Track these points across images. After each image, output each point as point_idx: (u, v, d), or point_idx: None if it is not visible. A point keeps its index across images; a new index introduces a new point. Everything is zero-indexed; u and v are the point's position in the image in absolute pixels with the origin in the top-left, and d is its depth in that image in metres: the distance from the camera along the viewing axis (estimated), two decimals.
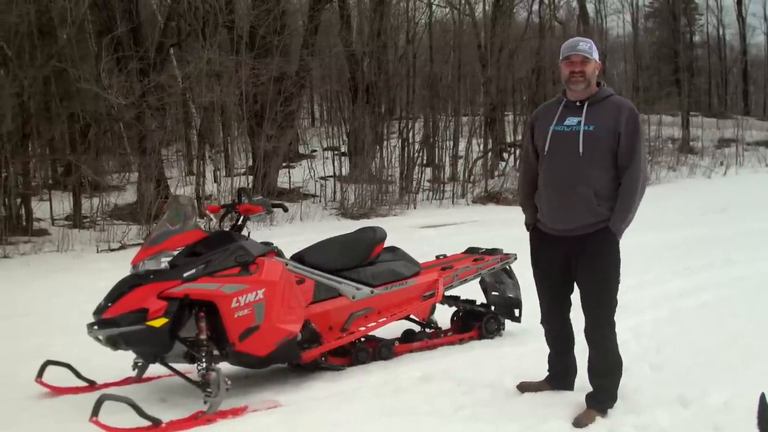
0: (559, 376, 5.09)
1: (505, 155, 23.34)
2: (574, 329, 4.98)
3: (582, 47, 4.64)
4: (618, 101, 4.64)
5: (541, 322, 5.10)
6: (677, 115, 30.72)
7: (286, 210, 6.05)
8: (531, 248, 5.00)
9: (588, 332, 4.73)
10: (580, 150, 4.56)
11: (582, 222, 4.61)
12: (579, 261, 4.66)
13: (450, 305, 6.60)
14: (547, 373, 5.15)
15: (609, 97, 4.65)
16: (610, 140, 4.53)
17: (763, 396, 2.89)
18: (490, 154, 21.60)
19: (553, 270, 4.83)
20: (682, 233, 12.37)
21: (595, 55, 4.65)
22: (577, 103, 4.67)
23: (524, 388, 5.08)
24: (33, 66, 12.86)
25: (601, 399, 4.69)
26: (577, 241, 4.63)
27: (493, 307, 6.69)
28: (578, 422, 4.54)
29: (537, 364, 5.63)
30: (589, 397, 4.71)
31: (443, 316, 6.67)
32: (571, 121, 4.64)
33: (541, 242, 4.89)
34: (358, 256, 5.92)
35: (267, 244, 5.46)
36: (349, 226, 7.53)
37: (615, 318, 4.72)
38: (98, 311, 4.86)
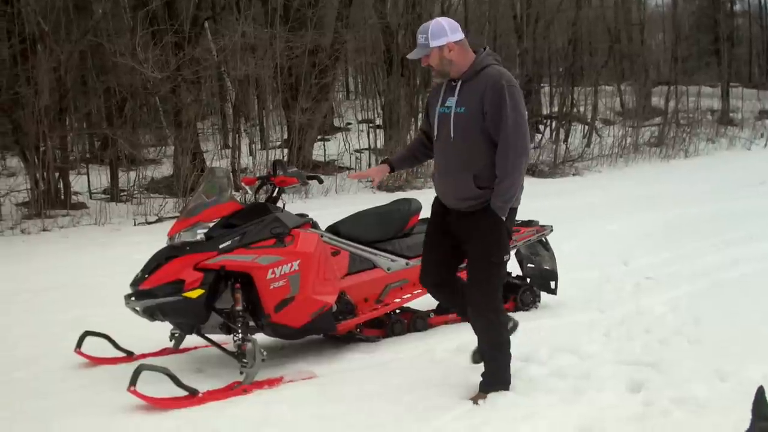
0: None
1: (541, 127, 23.12)
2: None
3: (419, 42, 4.49)
4: (488, 75, 4.42)
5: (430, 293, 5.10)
6: (717, 86, 30.16)
7: (321, 182, 6.05)
8: (430, 214, 4.91)
9: (468, 312, 4.68)
10: (451, 135, 4.48)
11: (465, 204, 4.53)
12: (464, 237, 4.59)
13: None
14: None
15: (483, 71, 4.45)
16: (479, 121, 4.41)
17: (761, 389, 2.86)
18: None
19: (444, 239, 4.75)
20: (721, 206, 12.19)
21: (438, 41, 4.42)
22: (453, 83, 4.55)
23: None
24: (69, 41, 12.96)
25: (488, 382, 4.60)
26: (464, 216, 4.55)
27: (528, 279, 6.67)
28: (473, 400, 4.54)
29: (572, 336, 5.63)
30: (481, 380, 4.64)
31: None
32: (450, 102, 4.53)
33: (438, 211, 4.78)
34: (394, 228, 5.90)
35: (302, 215, 5.47)
36: (384, 199, 7.51)
37: (499, 298, 4.67)
38: (135, 283, 4.91)
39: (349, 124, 22.53)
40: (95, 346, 5.48)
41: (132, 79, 13.80)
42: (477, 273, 4.57)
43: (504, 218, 4.46)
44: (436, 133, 4.63)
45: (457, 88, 4.51)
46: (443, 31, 4.44)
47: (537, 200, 13.16)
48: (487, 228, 4.47)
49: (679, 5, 33.95)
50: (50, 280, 8.19)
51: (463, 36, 4.53)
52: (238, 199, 5.37)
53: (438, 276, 4.86)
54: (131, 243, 9.98)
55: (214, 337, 5.28)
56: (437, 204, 4.80)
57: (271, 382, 4.90)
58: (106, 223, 11.82)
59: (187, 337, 5.44)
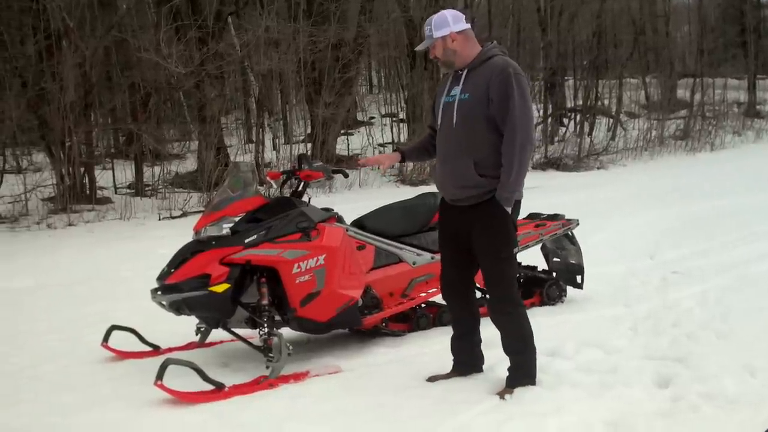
0: (465, 363, 4.87)
1: (565, 121, 23.04)
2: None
3: (425, 34, 4.54)
4: (495, 64, 4.43)
5: (442, 297, 5.00)
6: (743, 78, 29.91)
7: (346, 176, 6.03)
8: (438, 213, 4.89)
9: (488, 308, 4.66)
10: (454, 120, 4.47)
11: (465, 194, 4.48)
12: (471, 233, 4.53)
13: None
14: (453, 362, 4.91)
15: (488, 60, 4.48)
16: (483, 107, 4.39)
17: None
18: (550, 119, 21.35)
19: (453, 238, 4.68)
20: (748, 199, 12.09)
21: (441, 31, 4.48)
22: (459, 72, 4.57)
23: (434, 380, 4.84)
24: (94, 36, 13.04)
25: (514, 377, 4.55)
26: (467, 211, 4.51)
27: (554, 274, 6.62)
28: (500, 395, 4.48)
29: (599, 331, 5.60)
30: (508, 375, 4.59)
31: None
32: (455, 91, 4.54)
33: (444, 208, 4.76)
34: (419, 222, 5.88)
35: (327, 210, 5.47)
36: (407, 193, 7.51)
37: (516, 291, 4.62)
38: (161, 277, 4.92)
39: (373, 118, 22.52)
40: (121, 341, 5.51)
41: (156, 74, 13.88)
42: (488, 270, 4.56)
43: (509, 211, 4.43)
44: (439, 123, 4.63)
45: (463, 76, 4.53)
46: (446, 22, 4.50)
47: (562, 194, 13.17)
48: (493, 222, 4.44)
49: None
50: (76, 275, 8.25)
51: (467, 26, 4.57)
52: (263, 193, 5.36)
53: (451, 275, 4.80)
54: (156, 237, 10.03)
55: (240, 331, 5.28)
56: (442, 203, 4.78)
57: (297, 377, 4.90)
58: (131, 217, 11.91)
59: (213, 331, 5.46)
